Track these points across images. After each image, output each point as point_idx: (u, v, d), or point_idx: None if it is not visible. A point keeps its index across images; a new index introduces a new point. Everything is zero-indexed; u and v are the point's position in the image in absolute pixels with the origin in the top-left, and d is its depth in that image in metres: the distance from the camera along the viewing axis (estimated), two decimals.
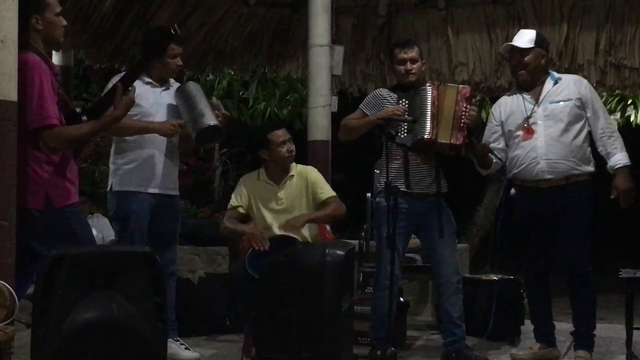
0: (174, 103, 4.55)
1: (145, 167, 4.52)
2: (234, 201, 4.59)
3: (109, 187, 4.63)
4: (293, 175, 4.60)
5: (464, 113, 4.44)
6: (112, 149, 4.67)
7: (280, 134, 4.56)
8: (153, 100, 4.55)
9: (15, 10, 3.22)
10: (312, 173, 4.66)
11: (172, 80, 4.73)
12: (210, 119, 4.36)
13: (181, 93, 4.49)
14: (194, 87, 4.50)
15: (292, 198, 4.56)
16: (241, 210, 4.56)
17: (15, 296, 3.04)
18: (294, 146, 4.61)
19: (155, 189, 4.55)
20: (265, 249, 4.12)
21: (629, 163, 4.49)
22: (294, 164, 4.64)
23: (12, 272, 3.18)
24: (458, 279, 4.63)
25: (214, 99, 4.59)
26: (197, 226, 6.96)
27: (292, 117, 9.80)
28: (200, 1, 6.40)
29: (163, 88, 4.62)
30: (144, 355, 3.00)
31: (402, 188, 4.47)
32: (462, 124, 4.44)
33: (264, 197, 4.56)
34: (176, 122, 4.48)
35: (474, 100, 4.70)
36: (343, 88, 6.91)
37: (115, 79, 4.38)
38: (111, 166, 4.65)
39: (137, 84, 4.31)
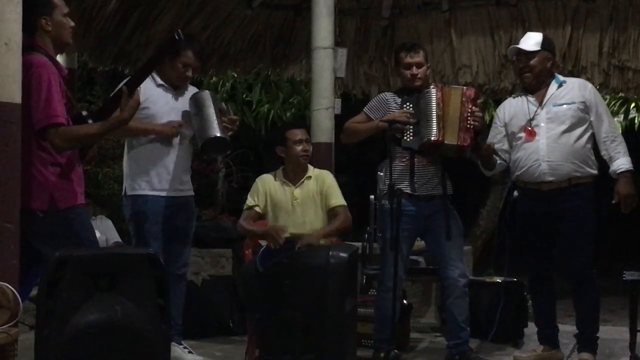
0: (187, 109, 4.53)
1: (155, 169, 4.51)
2: (250, 201, 4.62)
3: (123, 192, 4.62)
4: (310, 177, 4.63)
5: (469, 114, 4.44)
6: (125, 152, 4.65)
7: (298, 132, 4.62)
8: (163, 103, 4.53)
9: (20, 12, 3.23)
10: (329, 178, 4.69)
11: (190, 86, 4.70)
12: (215, 130, 4.34)
13: (193, 101, 4.47)
14: (205, 96, 4.46)
15: (308, 198, 4.58)
16: (258, 209, 4.59)
17: (19, 298, 3.05)
18: (310, 147, 4.64)
19: (166, 192, 4.53)
20: (281, 244, 4.16)
21: (632, 168, 4.49)
22: (311, 167, 4.66)
23: (16, 274, 3.19)
24: (465, 282, 4.62)
25: (223, 105, 4.57)
26: (201, 229, 6.96)
27: (295, 119, 9.80)
28: (204, 3, 6.40)
29: (176, 92, 4.59)
30: (147, 357, 3.01)
31: (408, 190, 4.48)
32: (468, 125, 4.44)
33: (280, 196, 4.58)
34: (178, 123, 4.48)
35: (478, 101, 4.70)
36: (346, 90, 6.91)
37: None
38: (125, 170, 4.64)
39: (149, 86, 4.34)
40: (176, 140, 4.56)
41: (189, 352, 4.64)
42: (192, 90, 4.68)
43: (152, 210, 4.50)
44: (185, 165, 4.69)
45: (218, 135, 4.35)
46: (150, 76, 4.26)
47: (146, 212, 4.49)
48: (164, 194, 4.54)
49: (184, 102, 4.55)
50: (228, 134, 4.46)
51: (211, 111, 4.38)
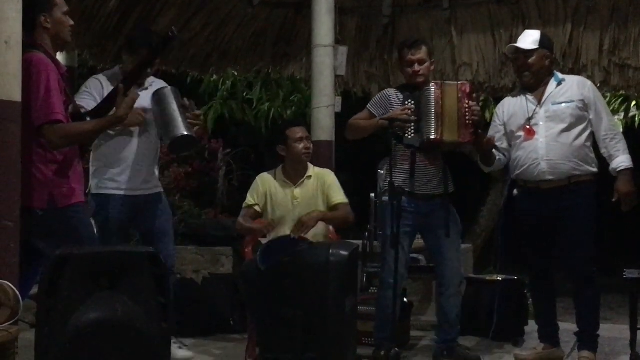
0: (150, 103, 4.48)
1: (119, 169, 4.50)
2: (250, 200, 4.62)
3: (88, 189, 4.57)
4: (310, 176, 4.63)
5: (467, 109, 4.44)
6: (92, 153, 4.60)
7: (298, 131, 4.62)
8: None
9: (20, 10, 3.23)
10: (330, 176, 4.70)
11: (152, 80, 4.65)
12: (180, 129, 4.29)
13: (155, 99, 4.43)
14: (166, 93, 4.41)
15: (308, 198, 4.58)
16: (257, 208, 4.59)
17: (20, 296, 3.05)
18: (311, 144, 4.64)
19: (128, 191, 4.51)
20: (272, 229, 4.20)
21: (631, 166, 4.48)
22: (312, 166, 4.66)
23: (17, 272, 3.19)
24: (460, 281, 4.64)
25: (186, 100, 4.52)
26: (201, 227, 6.97)
27: (296, 117, 9.79)
28: (204, 1, 6.40)
29: (140, 88, 4.57)
30: (147, 355, 3.01)
31: (408, 189, 4.48)
32: (467, 121, 4.43)
33: (280, 195, 4.58)
34: (140, 110, 4.40)
35: (474, 95, 4.68)
36: (347, 88, 6.91)
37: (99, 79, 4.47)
38: (90, 168, 4.61)
39: (111, 84, 4.29)
40: (141, 138, 4.53)
41: (179, 347, 4.64)
42: (157, 84, 4.62)
43: (114, 211, 4.48)
44: (152, 163, 4.65)
45: (185, 133, 4.31)
46: (113, 73, 4.37)
47: (108, 213, 4.47)
48: (129, 192, 4.51)
49: (147, 98, 4.47)
50: (194, 129, 4.42)
51: (174, 108, 4.33)
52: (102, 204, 4.50)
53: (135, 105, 4.43)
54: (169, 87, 4.55)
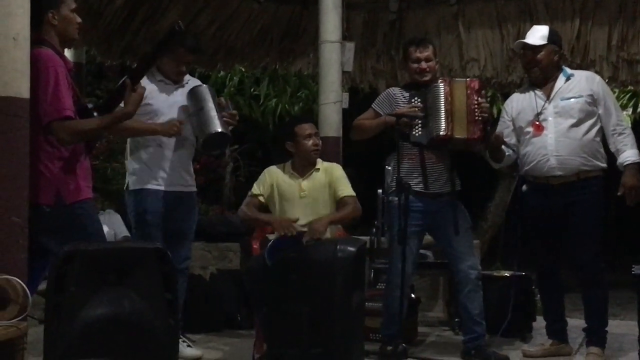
0: (186, 103, 4.54)
1: (156, 164, 4.53)
2: (255, 189, 4.61)
3: (125, 186, 4.66)
4: (319, 169, 4.62)
5: (476, 106, 4.43)
6: (127, 149, 4.69)
7: (307, 127, 4.61)
8: (164, 98, 4.54)
9: (27, 7, 3.23)
10: (338, 169, 4.68)
11: (188, 78, 4.70)
12: (216, 126, 4.34)
13: (191, 97, 4.47)
14: (203, 91, 4.46)
15: (316, 190, 4.57)
16: (261, 199, 4.58)
17: (28, 292, 3.06)
18: (320, 141, 4.64)
19: (165, 186, 4.55)
20: (293, 234, 4.16)
21: (639, 160, 4.47)
22: (320, 160, 4.66)
23: (25, 269, 3.19)
24: (476, 275, 4.60)
25: (222, 99, 4.55)
26: (209, 223, 6.98)
27: (303, 113, 9.79)
28: None
29: (176, 86, 4.61)
30: (155, 351, 3.02)
31: (418, 188, 4.47)
32: (476, 118, 4.42)
33: (287, 187, 4.57)
34: (179, 122, 4.47)
35: (483, 92, 4.68)
36: (354, 84, 6.90)
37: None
38: (127, 166, 4.68)
39: (147, 82, 4.32)
40: (178, 136, 4.55)
41: (188, 345, 4.65)
42: (192, 82, 4.66)
43: (153, 204, 4.52)
44: (187, 161, 4.69)
45: (219, 130, 4.34)
46: (149, 72, 4.28)
47: (147, 206, 4.51)
48: (166, 188, 4.55)
49: (183, 97, 4.54)
50: (229, 128, 4.45)
51: (211, 106, 4.38)
52: (140, 199, 4.53)
53: (171, 102, 4.52)
54: (205, 85, 4.58)
